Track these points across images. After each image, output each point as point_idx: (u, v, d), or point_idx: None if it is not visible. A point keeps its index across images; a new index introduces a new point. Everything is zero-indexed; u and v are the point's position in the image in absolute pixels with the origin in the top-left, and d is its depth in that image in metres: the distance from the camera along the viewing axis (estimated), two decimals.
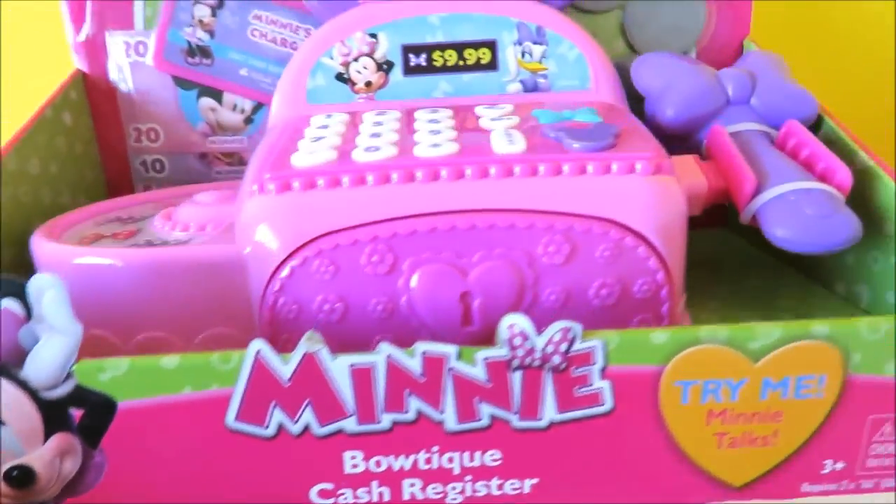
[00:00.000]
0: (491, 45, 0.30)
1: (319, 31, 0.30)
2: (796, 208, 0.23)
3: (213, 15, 0.33)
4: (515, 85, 0.30)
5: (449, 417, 0.18)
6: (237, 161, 0.35)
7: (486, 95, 0.29)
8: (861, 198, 0.25)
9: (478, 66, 0.30)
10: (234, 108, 0.34)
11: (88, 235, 0.25)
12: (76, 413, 0.18)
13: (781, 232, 0.23)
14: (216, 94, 0.34)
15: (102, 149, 0.35)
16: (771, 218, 0.23)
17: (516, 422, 0.18)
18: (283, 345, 0.21)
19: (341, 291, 0.21)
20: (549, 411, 0.18)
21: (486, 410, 0.18)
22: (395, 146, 0.23)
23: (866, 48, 0.45)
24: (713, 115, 0.28)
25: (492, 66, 0.30)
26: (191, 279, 0.21)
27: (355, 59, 0.30)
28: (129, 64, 0.34)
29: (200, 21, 0.33)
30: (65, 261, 0.22)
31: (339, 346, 0.21)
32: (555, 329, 0.18)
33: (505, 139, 0.22)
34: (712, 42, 0.34)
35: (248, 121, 0.34)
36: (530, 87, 0.30)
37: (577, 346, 0.18)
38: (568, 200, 0.21)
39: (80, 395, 0.18)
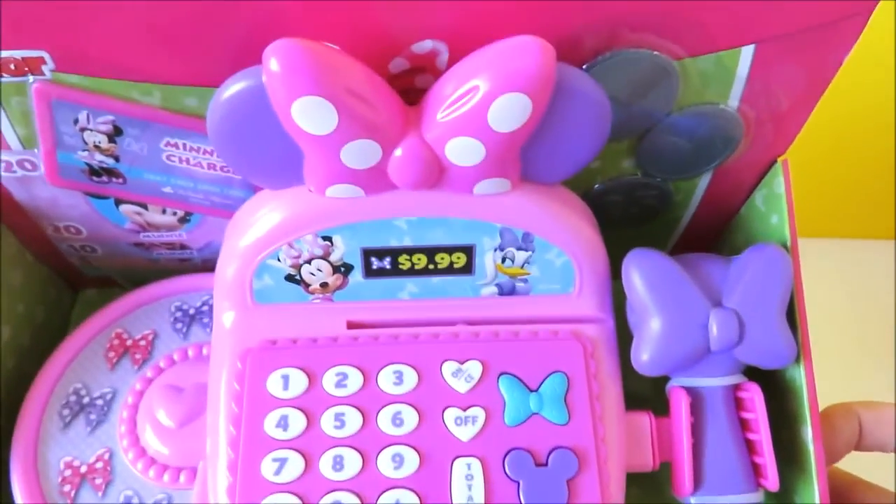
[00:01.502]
0: (468, 250, 0.25)
1: (258, 228, 0.24)
2: None
3: (112, 141, 0.25)
4: (491, 288, 0.26)
5: None
6: (178, 246, 0.31)
7: (457, 299, 0.26)
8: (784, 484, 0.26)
9: (450, 271, 0.26)
10: (164, 211, 0.28)
11: (66, 475, 0.26)
12: None
13: None
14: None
15: (19, 234, 0.30)
16: None
17: None
18: None
19: None
20: None
21: None
22: (358, 498, 0.23)
23: (866, 49, 0.38)
24: (691, 365, 0.26)
25: (466, 270, 0.26)
26: None
27: (307, 262, 0.25)
28: (18, 178, 0.26)
29: (97, 146, 0.25)
30: None
31: None
32: None
33: (466, 499, 0.23)
34: (737, 161, 0.28)
35: (184, 220, 0.29)
36: (507, 291, 0.26)
37: None
38: None
39: None
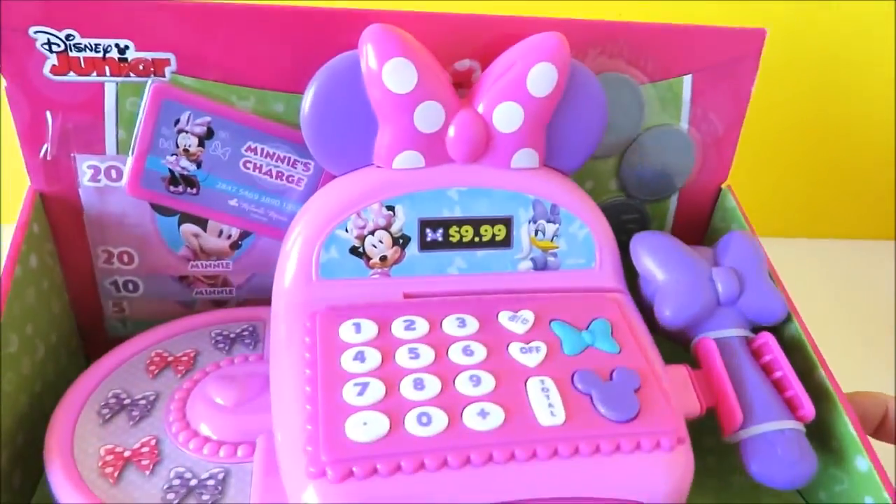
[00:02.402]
0: (507, 222, 0.30)
1: (333, 200, 0.28)
2: (771, 450, 0.27)
3: (201, 145, 0.29)
4: (526, 263, 0.30)
5: None
6: (220, 283, 0.33)
7: (499, 274, 0.30)
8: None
9: (492, 244, 0.30)
10: (220, 234, 0.32)
11: (107, 459, 0.24)
12: None
13: (756, 469, 0.27)
14: (201, 221, 0.31)
15: (64, 267, 0.31)
16: (749, 453, 0.27)
17: None
18: None
19: None
20: None
21: None
22: (444, 411, 0.24)
23: (867, 50, 0.43)
24: (706, 317, 0.30)
25: (506, 243, 0.30)
26: None
27: (371, 233, 0.29)
28: (98, 188, 0.30)
29: (186, 150, 0.29)
30: None
31: None
32: None
33: (546, 407, 0.24)
34: (693, 185, 0.36)
35: (235, 246, 0.32)
36: (540, 265, 0.30)
37: None
38: (602, 485, 0.23)
39: None
